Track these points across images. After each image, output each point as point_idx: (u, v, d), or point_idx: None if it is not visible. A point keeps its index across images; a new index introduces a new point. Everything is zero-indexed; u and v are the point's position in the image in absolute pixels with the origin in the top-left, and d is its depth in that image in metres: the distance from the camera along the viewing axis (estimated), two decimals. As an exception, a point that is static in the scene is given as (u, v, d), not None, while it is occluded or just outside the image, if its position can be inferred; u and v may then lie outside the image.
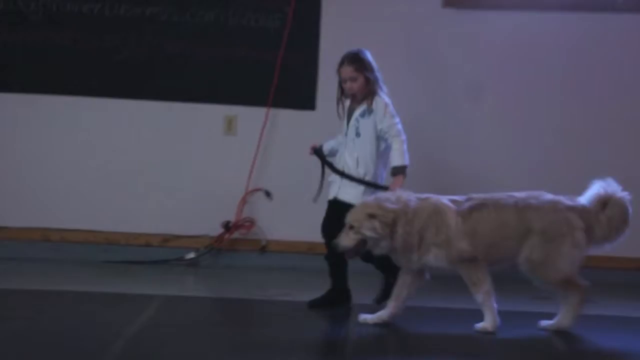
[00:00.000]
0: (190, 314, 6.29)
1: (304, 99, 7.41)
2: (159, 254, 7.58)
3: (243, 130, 7.62)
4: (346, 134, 6.43)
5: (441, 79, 7.59)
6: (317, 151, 6.57)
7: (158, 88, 7.57)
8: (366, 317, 6.11)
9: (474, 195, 6.05)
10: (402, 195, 6.01)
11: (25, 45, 7.51)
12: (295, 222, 7.46)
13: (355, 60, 6.36)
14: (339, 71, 6.40)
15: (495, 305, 5.95)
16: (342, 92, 6.45)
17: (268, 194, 7.61)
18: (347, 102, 6.47)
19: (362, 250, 5.99)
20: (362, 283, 6.54)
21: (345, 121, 6.45)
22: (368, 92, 6.37)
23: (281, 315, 6.27)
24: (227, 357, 5.39)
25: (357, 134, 6.38)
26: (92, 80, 7.56)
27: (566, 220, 5.94)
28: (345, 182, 6.40)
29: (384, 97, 6.40)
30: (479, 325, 5.96)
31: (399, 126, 6.37)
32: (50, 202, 7.63)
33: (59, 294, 6.59)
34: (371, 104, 6.35)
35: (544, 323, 6.06)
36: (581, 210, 5.99)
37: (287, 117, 7.59)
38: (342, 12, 7.51)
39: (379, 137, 6.38)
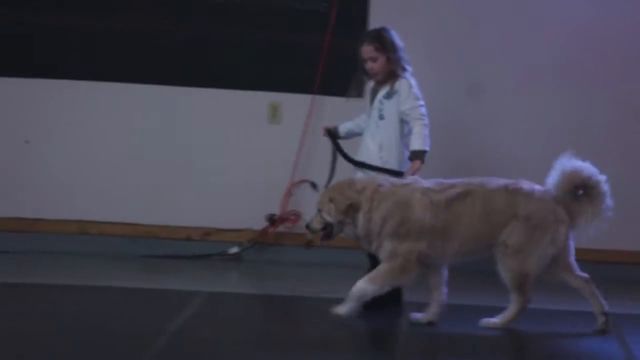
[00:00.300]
0: (233, 311, 6.27)
1: (354, 86, 7.19)
2: (200, 248, 7.54)
3: (288, 119, 7.55)
4: (369, 117, 6.34)
5: (500, 58, 7.48)
6: (331, 133, 6.48)
7: (200, 74, 7.53)
8: (417, 316, 6.02)
9: (457, 181, 5.94)
10: (376, 181, 5.96)
11: (69, 30, 7.45)
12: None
13: (375, 39, 6.28)
14: (359, 50, 6.31)
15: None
16: (365, 73, 6.36)
17: (314, 185, 7.46)
18: (372, 84, 6.38)
19: (333, 234, 5.99)
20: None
21: (369, 103, 6.37)
22: (389, 72, 6.27)
23: (327, 313, 6.10)
24: (271, 356, 5.35)
25: (381, 117, 6.30)
26: (133, 66, 7.51)
27: (553, 212, 5.81)
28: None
29: (408, 78, 6.29)
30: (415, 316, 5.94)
31: (423, 109, 6.23)
32: (88, 193, 7.59)
33: (98, 290, 6.59)
34: (393, 85, 6.25)
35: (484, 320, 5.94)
36: (566, 204, 5.86)
37: (334, 105, 7.44)
38: None
39: (403, 120, 6.27)
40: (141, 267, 7.32)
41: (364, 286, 5.82)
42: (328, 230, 5.97)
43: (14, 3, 7.42)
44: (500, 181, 5.93)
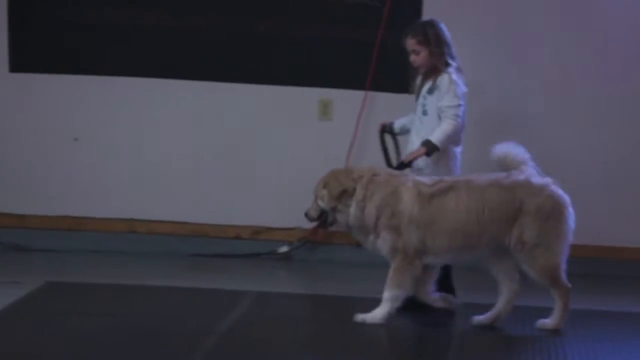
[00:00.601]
0: (283, 311, 6.25)
1: (405, 81, 7.08)
2: (249, 247, 7.50)
3: (339, 115, 7.48)
4: (415, 112, 6.32)
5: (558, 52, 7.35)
6: (386, 130, 6.44)
7: (248, 70, 7.47)
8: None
9: (446, 178, 5.89)
10: (373, 169, 5.92)
11: (118, 27, 7.42)
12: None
13: (419, 32, 6.26)
14: (404, 42, 6.30)
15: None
16: (410, 66, 6.35)
17: (365, 183, 7.33)
18: (418, 79, 6.34)
19: (328, 223, 6.01)
20: (470, 280, 6.28)
21: (415, 98, 6.34)
22: (432, 67, 6.24)
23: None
24: (321, 356, 5.36)
25: (424, 112, 6.26)
26: (178, 62, 7.48)
27: (559, 198, 5.76)
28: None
29: (452, 74, 6.21)
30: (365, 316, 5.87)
31: (459, 110, 6.15)
32: (136, 192, 7.57)
33: (146, 289, 6.59)
34: (436, 79, 6.21)
35: (541, 322, 5.86)
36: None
37: (386, 101, 7.38)
38: None
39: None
40: (190, 266, 7.32)
41: (393, 293, 5.81)
42: (323, 218, 5.96)
43: (60, 2, 7.40)
44: (491, 176, 5.82)
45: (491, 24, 7.30)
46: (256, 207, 7.51)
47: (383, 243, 5.84)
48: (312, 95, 7.43)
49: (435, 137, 6.11)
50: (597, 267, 7.28)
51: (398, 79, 7.18)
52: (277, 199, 7.46)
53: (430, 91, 6.23)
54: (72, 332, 5.54)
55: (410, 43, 6.25)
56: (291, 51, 7.39)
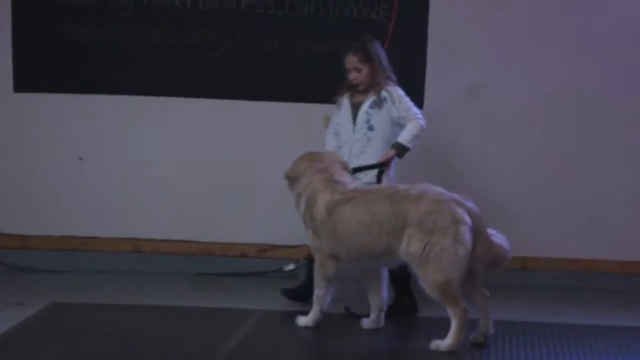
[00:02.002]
0: (290, 330, 6.20)
1: (411, 96, 7.08)
2: (255, 265, 7.49)
3: None
4: (354, 130, 6.46)
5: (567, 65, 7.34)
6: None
7: (253, 87, 7.47)
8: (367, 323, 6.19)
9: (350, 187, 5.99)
10: (334, 167, 6.06)
11: (114, 42, 7.41)
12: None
13: (360, 50, 6.45)
14: (344, 61, 6.46)
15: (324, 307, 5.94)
16: (349, 83, 6.52)
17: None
18: (348, 96, 6.52)
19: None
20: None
21: (348, 116, 6.48)
22: (374, 83, 6.42)
23: (386, 329, 6.18)
24: None
25: (370, 128, 6.45)
26: (184, 79, 7.47)
27: (450, 213, 5.64)
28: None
29: (397, 88, 6.44)
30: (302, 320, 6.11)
31: (417, 109, 6.40)
32: (141, 211, 7.57)
33: (152, 309, 6.58)
34: (379, 94, 6.40)
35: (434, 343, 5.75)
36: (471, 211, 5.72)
37: None
38: (452, 1, 7.30)
39: (394, 126, 6.41)
40: (196, 285, 7.29)
41: (315, 293, 6.02)
42: None
43: (66, 19, 7.38)
44: (394, 188, 5.88)
45: (498, 41, 7.30)
46: (262, 225, 7.49)
47: (310, 240, 6.06)
48: (317, 111, 7.33)
49: (404, 138, 6.30)
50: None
51: (405, 93, 7.19)
52: (283, 217, 7.25)
53: (376, 106, 6.40)
54: (78, 353, 5.53)
55: (352, 61, 6.44)
56: (298, 67, 7.38)
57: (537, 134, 7.33)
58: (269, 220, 7.46)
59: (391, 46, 7.19)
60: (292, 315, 6.37)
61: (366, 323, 6.14)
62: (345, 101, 6.54)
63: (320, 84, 7.33)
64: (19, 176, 7.53)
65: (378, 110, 6.40)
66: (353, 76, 6.47)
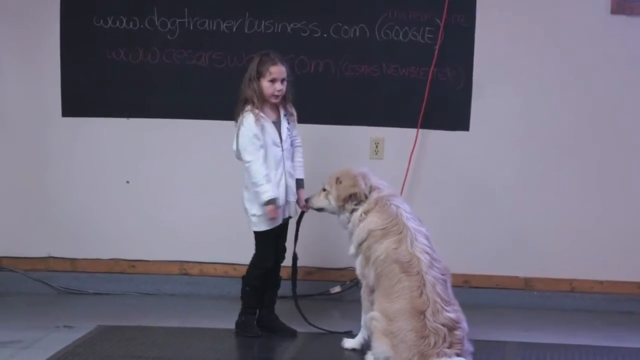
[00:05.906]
0: (336, 352, 6.21)
1: (457, 119, 7.21)
2: (301, 287, 7.33)
3: (390, 153, 7.47)
4: (282, 148, 6.34)
5: (608, 91, 7.31)
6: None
7: (299, 110, 7.22)
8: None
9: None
10: (390, 197, 6.07)
11: (161, 66, 7.49)
12: (449, 254, 7.08)
13: (285, 60, 6.33)
14: (269, 70, 6.23)
15: None
16: (261, 97, 6.29)
17: (418, 222, 7.32)
18: (258, 120, 6.27)
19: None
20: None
21: (272, 133, 6.29)
22: (286, 96, 6.35)
23: None
24: None
25: (292, 144, 6.42)
26: (232, 103, 7.24)
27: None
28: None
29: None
30: None
31: None
32: (188, 234, 7.61)
33: (200, 331, 6.60)
34: (285, 107, 6.35)
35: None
36: None
37: (438, 139, 7.40)
38: (499, 24, 7.31)
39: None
40: (243, 307, 7.31)
41: (363, 317, 6.11)
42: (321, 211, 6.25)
43: (113, 43, 7.47)
44: None
45: (545, 66, 7.30)
46: (308, 248, 7.32)
47: (358, 264, 6.07)
48: (363, 133, 7.43)
49: (303, 173, 6.46)
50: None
51: (450, 116, 7.27)
52: (329, 239, 7.42)
53: (290, 120, 6.36)
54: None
55: (283, 71, 6.25)
56: (343, 90, 7.38)
57: (582, 159, 7.34)
58: (315, 243, 7.41)
59: (437, 69, 7.27)
60: (338, 338, 6.40)
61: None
62: (264, 122, 6.25)
63: (365, 107, 7.40)
64: (68, 200, 7.61)
65: (293, 125, 6.38)
66: (280, 87, 6.21)
